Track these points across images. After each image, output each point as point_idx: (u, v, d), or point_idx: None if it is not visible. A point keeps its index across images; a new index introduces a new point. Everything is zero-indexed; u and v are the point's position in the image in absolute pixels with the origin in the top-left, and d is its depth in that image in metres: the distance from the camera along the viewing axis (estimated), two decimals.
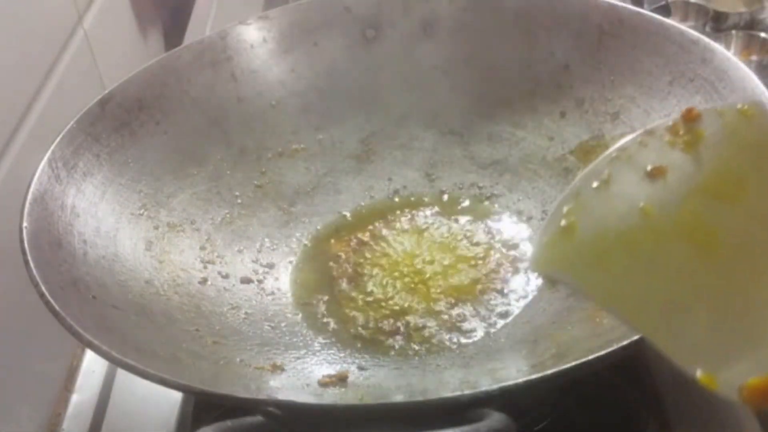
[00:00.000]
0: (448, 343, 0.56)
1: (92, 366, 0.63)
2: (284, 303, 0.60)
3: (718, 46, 0.57)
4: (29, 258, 0.48)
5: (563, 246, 0.33)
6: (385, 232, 0.65)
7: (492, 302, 0.59)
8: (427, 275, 0.61)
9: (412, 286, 0.61)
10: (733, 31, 0.89)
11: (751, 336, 0.33)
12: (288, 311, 0.60)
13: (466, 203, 0.67)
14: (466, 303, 0.59)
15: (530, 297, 0.58)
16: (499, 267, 0.61)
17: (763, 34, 0.87)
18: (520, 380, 0.39)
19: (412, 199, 0.68)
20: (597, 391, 0.53)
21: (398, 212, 0.67)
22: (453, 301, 0.59)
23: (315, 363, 0.55)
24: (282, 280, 0.62)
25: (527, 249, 0.62)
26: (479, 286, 0.60)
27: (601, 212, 0.33)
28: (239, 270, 0.62)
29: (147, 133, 0.63)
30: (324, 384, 0.50)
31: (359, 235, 0.65)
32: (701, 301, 0.33)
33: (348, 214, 0.67)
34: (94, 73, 0.78)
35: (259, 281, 0.61)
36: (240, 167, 0.67)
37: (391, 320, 0.58)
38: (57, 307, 0.45)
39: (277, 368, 0.53)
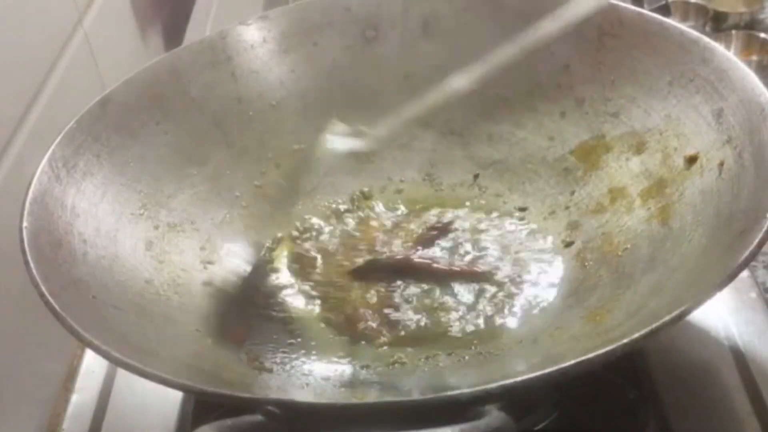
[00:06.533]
0: (448, 341, 0.56)
1: (92, 366, 0.63)
2: (284, 303, 0.60)
3: (718, 46, 0.57)
4: (29, 258, 0.48)
5: None
6: (385, 231, 0.65)
7: (492, 301, 0.59)
8: (428, 274, 0.61)
9: (413, 285, 0.61)
10: (733, 31, 0.89)
11: None
12: (288, 311, 0.60)
13: (466, 203, 0.67)
14: (466, 302, 0.59)
15: (530, 296, 0.58)
16: (499, 266, 0.61)
17: (763, 34, 0.88)
18: (520, 379, 0.39)
19: (412, 198, 0.68)
20: (597, 391, 0.53)
21: (398, 212, 0.67)
22: (453, 299, 0.59)
23: (315, 362, 0.55)
24: (282, 280, 0.62)
25: (526, 250, 0.62)
26: (480, 285, 0.60)
27: None
28: (239, 270, 0.62)
29: (147, 133, 0.63)
30: None
31: (360, 235, 0.65)
32: None
33: (348, 215, 0.67)
34: (94, 73, 0.78)
35: (261, 281, 0.61)
36: (240, 167, 0.67)
37: (392, 319, 0.58)
38: (57, 307, 0.46)
39: (277, 367, 0.53)
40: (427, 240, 0.64)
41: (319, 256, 0.64)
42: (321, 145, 0.64)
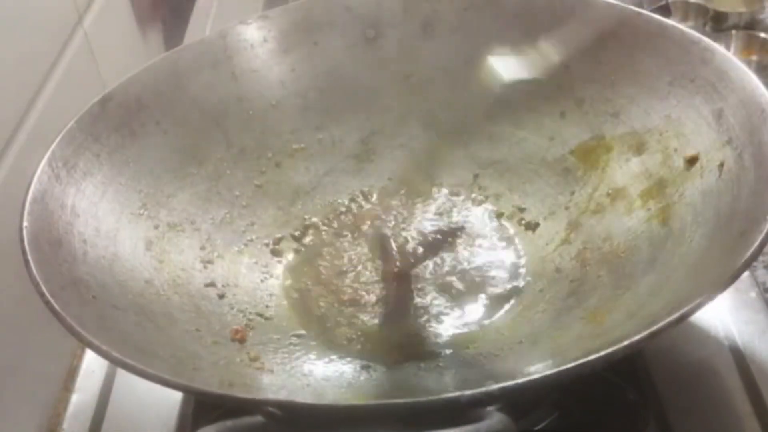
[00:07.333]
0: (448, 342, 0.56)
1: (92, 366, 0.63)
2: (285, 303, 0.60)
3: (718, 46, 0.57)
4: (29, 258, 0.48)
5: None
6: (385, 231, 0.65)
7: (492, 302, 0.59)
8: (427, 274, 0.61)
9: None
10: (733, 31, 0.89)
11: None
12: (288, 311, 0.60)
13: (466, 203, 0.67)
14: (466, 303, 0.59)
15: (530, 297, 0.58)
16: (499, 267, 0.61)
17: (763, 34, 0.87)
18: (520, 380, 0.39)
19: (412, 198, 0.68)
20: (597, 391, 0.53)
21: (399, 212, 0.67)
22: (453, 300, 0.59)
23: (315, 362, 0.55)
24: (282, 280, 0.62)
25: (527, 250, 0.62)
26: (480, 286, 0.60)
27: None
28: (239, 270, 0.62)
29: (147, 133, 0.63)
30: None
31: (360, 235, 0.65)
32: None
33: (348, 214, 0.67)
34: (94, 73, 0.78)
35: (261, 281, 0.62)
36: (240, 167, 0.67)
37: (391, 320, 0.58)
38: (57, 307, 0.45)
39: (277, 368, 0.53)
40: (431, 244, 0.64)
41: (320, 256, 0.64)
42: (487, 71, 0.61)
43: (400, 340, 0.57)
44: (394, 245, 0.63)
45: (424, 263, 0.62)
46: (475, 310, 0.58)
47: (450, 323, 0.57)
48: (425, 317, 0.58)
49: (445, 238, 0.64)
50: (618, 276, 0.55)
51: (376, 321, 0.58)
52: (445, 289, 0.60)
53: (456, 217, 0.66)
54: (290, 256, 0.64)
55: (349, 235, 0.66)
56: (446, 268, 0.62)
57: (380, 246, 0.63)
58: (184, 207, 0.63)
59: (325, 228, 0.66)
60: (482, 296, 0.59)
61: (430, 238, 0.64)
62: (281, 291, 0.61)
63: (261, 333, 0.57)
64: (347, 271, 0.63)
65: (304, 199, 0.68)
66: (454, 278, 0.61)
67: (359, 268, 0.63)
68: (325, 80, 0.70)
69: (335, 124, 0.70)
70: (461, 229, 0.65)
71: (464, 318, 0.58)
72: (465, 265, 0.62)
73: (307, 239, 0.66)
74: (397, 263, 0.62)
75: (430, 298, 0.60)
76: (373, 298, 0.60)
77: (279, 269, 0.63)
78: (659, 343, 0.55)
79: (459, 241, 0.64)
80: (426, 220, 0.66)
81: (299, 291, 0.62)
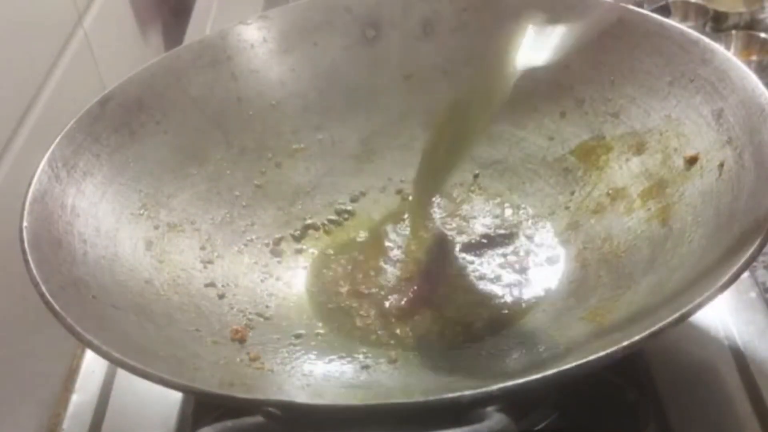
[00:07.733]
0: (448, 342, 0.56)
1: (92, 366, 0.63)
2: (285, 303, 0.60)
3: (718, 46, 0.57)
4: (29, 258, 0.48)
5: None
6: (385, 231, 0.65)
7: (491, 302, 0.59)
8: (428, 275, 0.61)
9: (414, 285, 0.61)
10: (733, 31, 0.89)
11: None
12: (289, 311, 0.60)
13: (466, 203, 0.67)
14: (465, 303, 0.59)
15: (530, 297, 0.58)
16: (499, 267, 0.61)
17: (763, 34, 0.87)
18: (520, 381, 0.39)
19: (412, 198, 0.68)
20: (597, 391, 0.53)
21: (399, 212, 0.67)
22: (453, 301, 0.59)
23: (315, 362, 0.55)
24: (283, 280, 0.62)
25: (527, 250, 0.62)
26: (479, 286, 0.60)
27: None
28: (239, 270, 0.62)
29: (147, 133, 0.63)
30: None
31: (360, 235, 0.65)
32: None
33: (348, 215, 0.67)
34: (94, 73, 0.78)
35: (261, 281, 0.62)
36: (240, 167, 0.67)
37: (393, 319, 0.58)
38: (57, 307, 0.46)
39: (277, 367, 0.53)
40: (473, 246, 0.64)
41: (320, 256, 0.64)
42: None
43: (402, 339, 0.57)
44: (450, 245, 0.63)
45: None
46: (475, 310, 0.58)
47: (450, 323, 0.57)
48: (425, 316, 0.58)
49: (459, 240, 0.64)
50: (618, 276, 0.55)
51: (379, 319, 0.58)
52: (448, 289, 0.60)
53: (463, 217, 0.66)
54: (290, 256, 0.64)
55: (350, 235, 0.66)
56: (450, 270, 0.62)
57: (435, 242, 0.63)
58: (184, 207, 0.63)
59: (325, 228, 0.66)
60: (482, 296, 0.59)
61: (462, 240, 0.64)
62: (282, 291, 0.61)
63: (261, 333, 0.57)
64: (348, 270, 0.63)
65: (304, 199, 0.68)
66: (456, 278, 0.61)
67: (362, 266, 0.63)
68: (325, 80, 0.70)
69: (335, 124, 0.70)
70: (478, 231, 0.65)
71: (464, 318, 0.58)
72: (468, 267, 0.62)
73: (315, 239, 0.65)
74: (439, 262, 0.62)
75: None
76: (375, 297, 0.60)
77: (279, 269, 0.63)
78: (659, 343, 0.55)
79: (466, 242, 0.64)
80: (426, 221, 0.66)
81: (300, 290, 0.61)
